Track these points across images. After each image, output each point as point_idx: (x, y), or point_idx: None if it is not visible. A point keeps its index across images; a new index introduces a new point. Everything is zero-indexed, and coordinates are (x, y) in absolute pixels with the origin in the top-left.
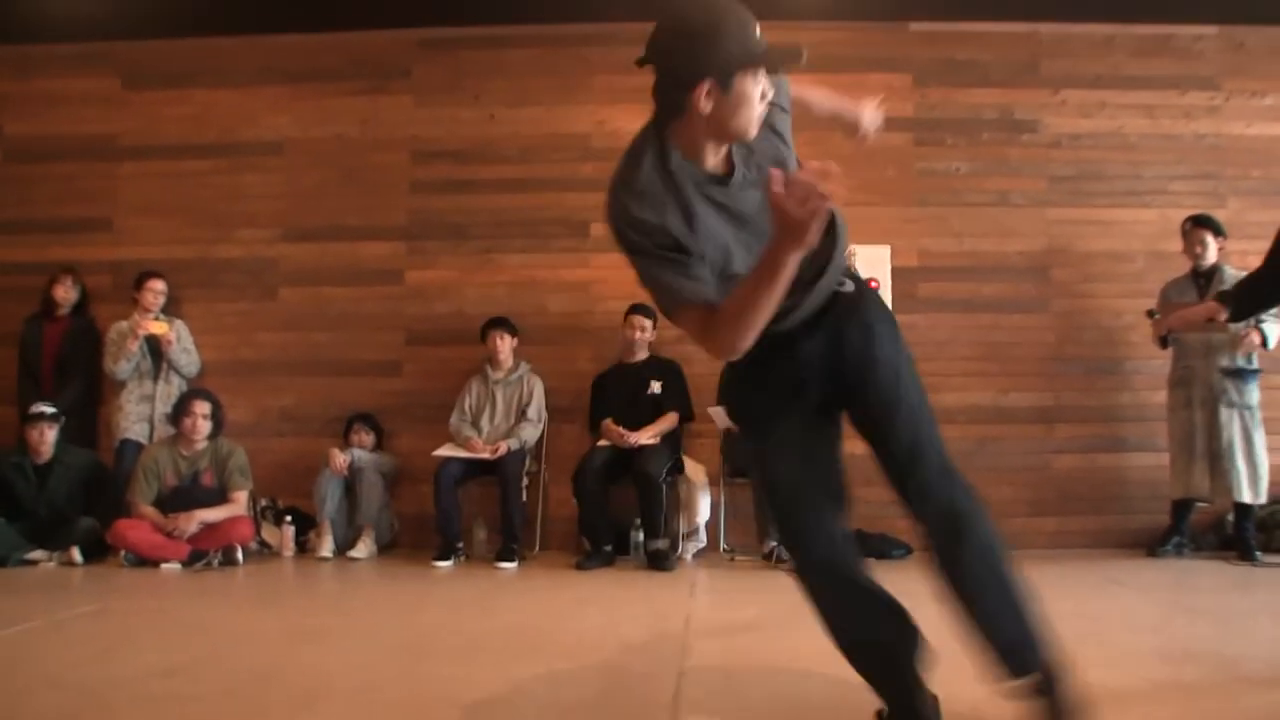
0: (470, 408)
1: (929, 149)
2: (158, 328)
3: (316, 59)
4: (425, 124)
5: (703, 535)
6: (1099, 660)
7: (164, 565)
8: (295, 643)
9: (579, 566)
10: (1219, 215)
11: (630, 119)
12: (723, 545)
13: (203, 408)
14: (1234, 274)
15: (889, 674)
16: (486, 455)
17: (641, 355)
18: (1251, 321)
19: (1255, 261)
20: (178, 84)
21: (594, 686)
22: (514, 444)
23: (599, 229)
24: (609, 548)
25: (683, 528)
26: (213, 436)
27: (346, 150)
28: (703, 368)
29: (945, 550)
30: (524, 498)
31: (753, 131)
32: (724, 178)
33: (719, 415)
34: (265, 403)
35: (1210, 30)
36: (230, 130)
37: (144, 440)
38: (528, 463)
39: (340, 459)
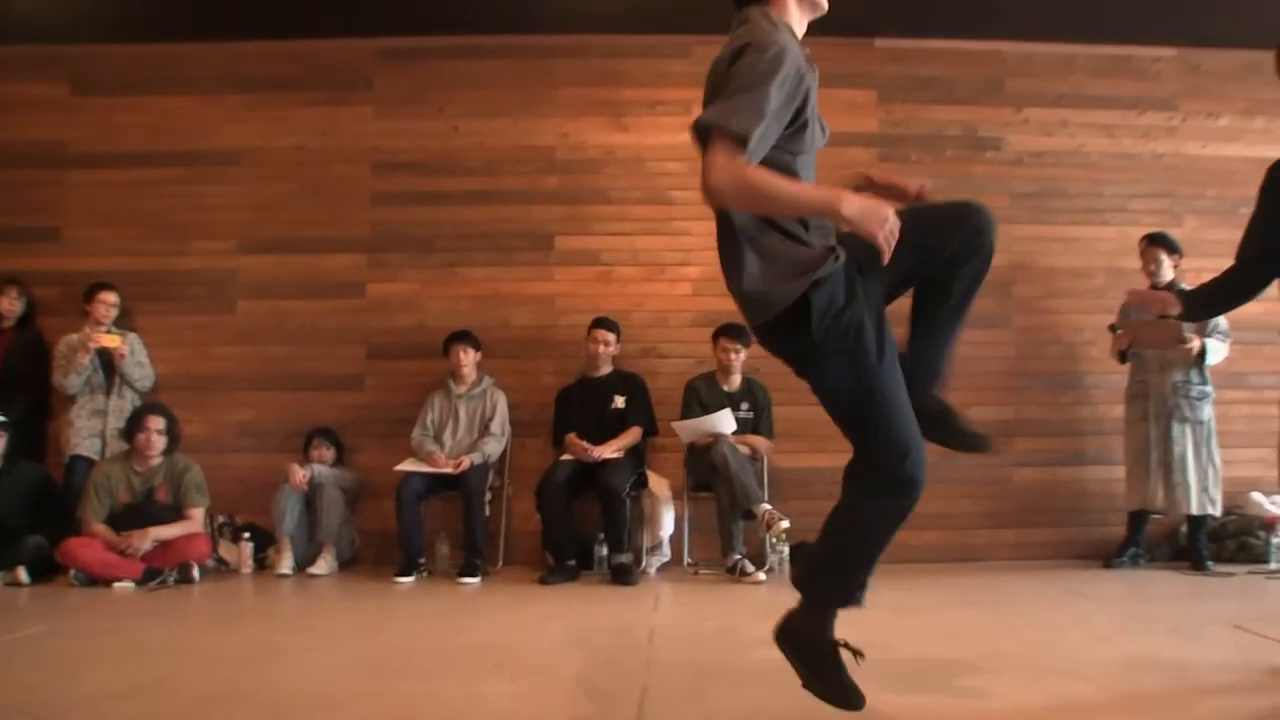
0: (433, 422)
1: (893, 165)
2: (110, 340)
3: (276, 68)
4: (387, 135)
5: (666, 549)
6: (1059, 669)
7: (116, 584)
8: (255, 662)
9: (543, 581)
10: (1176, 233)
11: (595, 132)
12: (686, 559)
13: (157, 423)
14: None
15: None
16: (449, 470)
17: (605, 369)
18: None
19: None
20: (132, 90)
21: (558, 702)
22: (477, 458)
23: (563, 242)
24: (573, 562)
25: (646, 542)
26: (168, 452)
27: (307, 161)
28: (667, 381)
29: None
30: (487, 513)
31: (825, 2)
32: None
33: (683, 429)
34: (223, 417)
35: (1168, 52)
36: (187, 139)
37: (95, 456)
38: (491, 477)
39: (300, 474)
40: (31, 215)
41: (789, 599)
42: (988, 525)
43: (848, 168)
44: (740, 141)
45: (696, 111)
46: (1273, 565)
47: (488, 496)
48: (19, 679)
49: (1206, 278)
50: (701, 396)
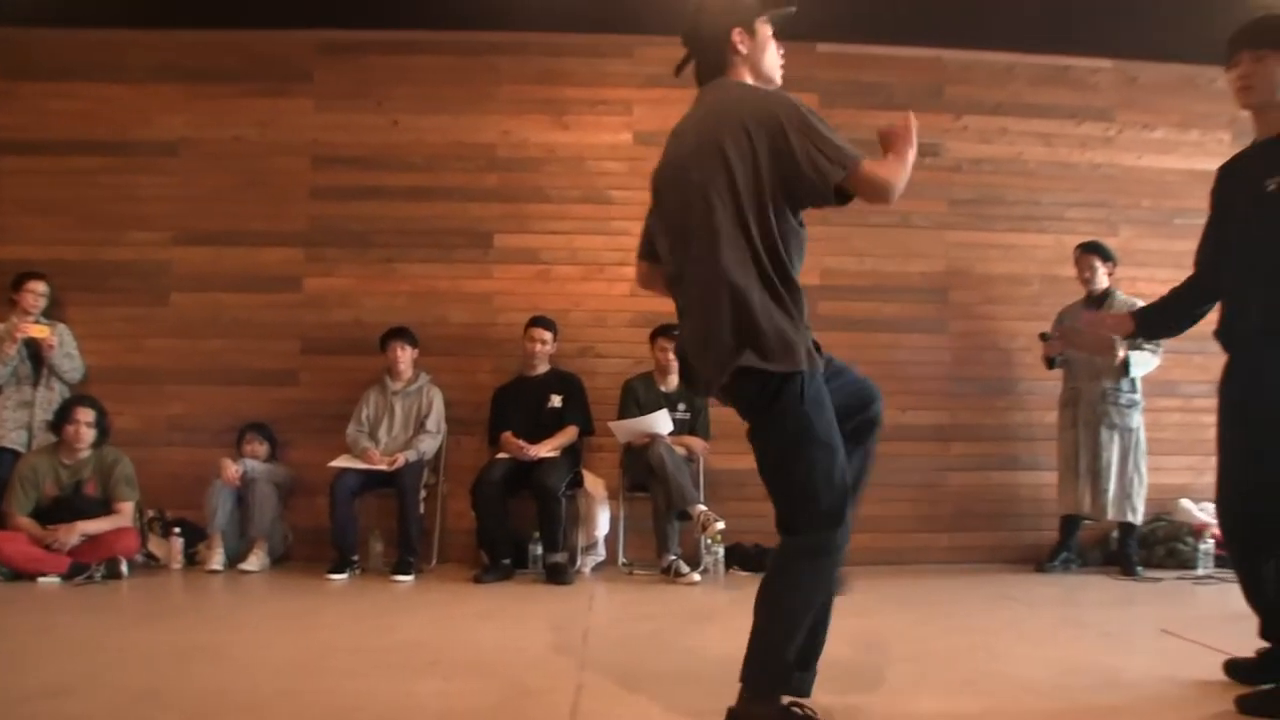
0: (368, 418)
1: None
2: (38, 331)
3: (215, 58)
4: (327, 129)
5: (601, 549)
6: (990, 673)
7: (42, 579)
8: (184, 660)
9: (477, 580)
10: (1111, 242)
11: (536, 130)
12: (621, 559)
13: (86, 415)
14: (1124, 299)
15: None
16: (384, 467)
17: (542, 368)
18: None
19: (1144, 287)
20: (66, 77)
21: (491, 701)
22: (412, 455)
23: (502, 240)
24: (507, 561)
25: (581, 541)
26: (97, 445)
27: (245, 153)
28: (604, 381)
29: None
30: (422, 510)
31: (778, 78)
32: None
33: (619, 429)
34: (154, 411)
35: (1106, 64)
36: (122, 128)
37: (21, 448)
38: (426, 475)
39: (232, 469)
40: None
41: (723, 600)
42: (922, 529)
43: None
44: (860, 159)
45: (639, 112)
46: (1200, 571)
47: (422, 494)
48: None
49: (1141, 286)
50: (639, 397)
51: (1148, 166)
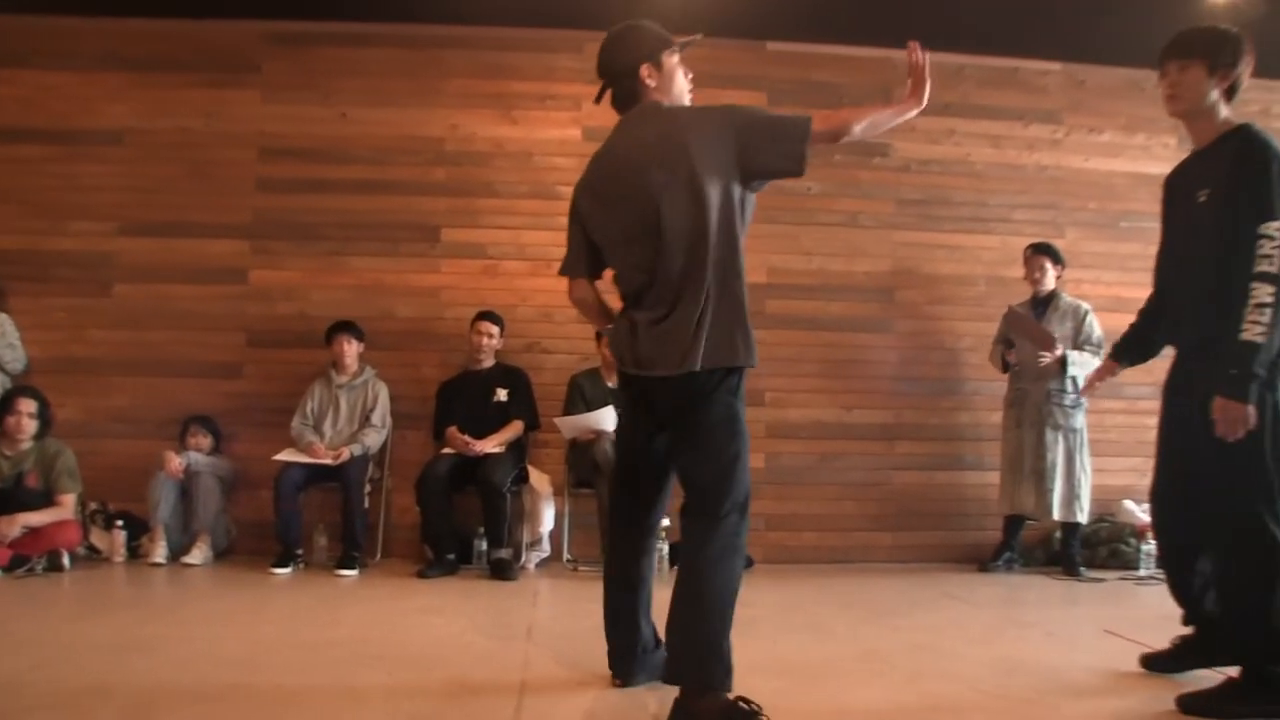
0: (312, 411)
1: None
2: None
3: (161, 47)
4: (274, 120)
5: (546, 545)
6: (933, 671)
7: None
8: (125, 654)
9: (421, 575)
10: (1058, 244)
11: (485, 124)
12: (566, 555)
13: (28, 406)
14: (1070, 301)
15: None
16: (328, 461)
17: (488, 363)
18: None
19: (1090, 289)
20: (5, 63)
21: (435, 697)
22: (357, 450)
23: (450, 234)
24: (452, 556)
25: (526, 537)
26: (39, 436)
27: (190, 144)
28: (550, 376)
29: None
30: (366, 504)
31: (687, 100)
32: None
33: (565, 425)
34: (97, 403)
35: (1054, 67)
36: (65, 116)
37: None
38: (371, 469)
39: (175, 462)
40: None
41: (667, 596)
42: (866, 527)
43: None
44: (810, 118)
45: (587, 107)
46: (1142, 572)
47: (367, 488)
48: None
49: (1086, 289)
50: (585, 392)
51: (1095, 169)
